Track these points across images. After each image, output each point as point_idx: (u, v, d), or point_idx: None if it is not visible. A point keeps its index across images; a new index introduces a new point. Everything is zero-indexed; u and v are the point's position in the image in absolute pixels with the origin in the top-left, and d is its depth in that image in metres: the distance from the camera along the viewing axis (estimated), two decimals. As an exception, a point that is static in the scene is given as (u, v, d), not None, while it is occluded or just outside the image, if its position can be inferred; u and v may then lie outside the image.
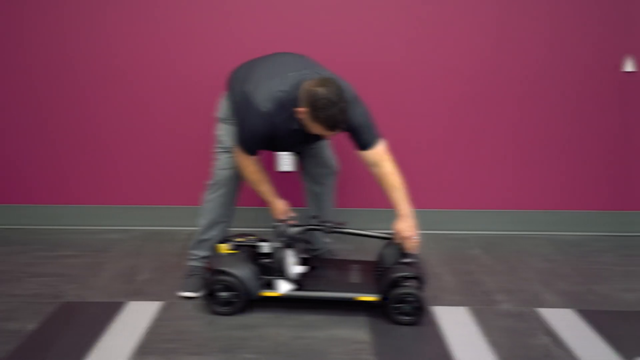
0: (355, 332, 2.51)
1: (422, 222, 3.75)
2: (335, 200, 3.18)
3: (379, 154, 2.61)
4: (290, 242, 2.71)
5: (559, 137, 3.62)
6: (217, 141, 2.88)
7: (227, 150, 2.81)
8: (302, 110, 2.39)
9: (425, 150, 3.65)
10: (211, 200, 2.91)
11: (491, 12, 3.37)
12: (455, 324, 2.60)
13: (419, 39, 3.42)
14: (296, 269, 2.71)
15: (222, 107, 2.85)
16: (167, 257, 3.35)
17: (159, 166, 3.73)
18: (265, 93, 2.47)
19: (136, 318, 2.62)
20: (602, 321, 2.64)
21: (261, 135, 2.54)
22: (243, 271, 2.59)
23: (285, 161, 3.66)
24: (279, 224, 2.74)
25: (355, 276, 2.80)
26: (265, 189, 2.79)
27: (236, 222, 3.81)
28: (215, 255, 2.70)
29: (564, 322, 2.63)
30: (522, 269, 3.23)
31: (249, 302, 2.68)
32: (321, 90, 2.30)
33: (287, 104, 2.46)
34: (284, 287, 2.64)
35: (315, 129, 2.41)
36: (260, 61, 2.73)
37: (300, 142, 2.74)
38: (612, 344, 2.44)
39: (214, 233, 2.93)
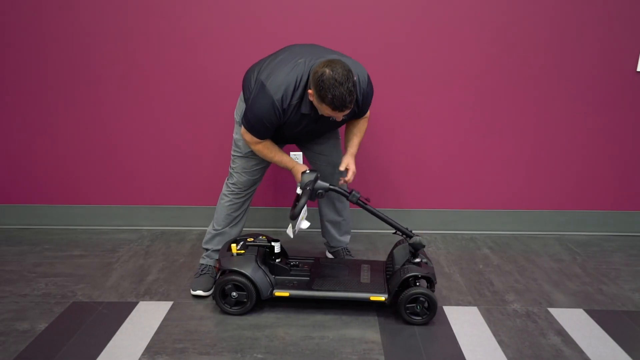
0: (364, 332, 2.51)
1: (431, 222, 3.77)
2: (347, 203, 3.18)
3: (364, 117, 2.82)
4: (314, 193, 2.64)
5: (568, 137, 3.61)
6: (234, 144, 2.89)
7: (245, 156, 2.84)
8: (311, 92, 2.43)
9: (434, 150, 3.64)
10: (227, 200, 2.93)
11: (500, 12, 3.36)
12: (465, 323, 2.60)
13: (427, 41, 3.41)
14: (304, 223, 2.68)
15: (239, 109, 2.86)
16: (176, 257, 3.36)
17: (168, 166, 3.73)
18: (277, 79, 2.50)
19: (146, 318, 2.63)
20: (611, 321, 2.63)
21: (270, 121, 2.54)
22: (253, 271, 2.59)
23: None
24: (309, 172, 2.66)
25: (365, 276, 2.80)
26: (281, 158, 2.75)
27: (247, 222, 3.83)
28: (225, 255, 2.70)
29: (574, 321, 2.63)
30: (531, 269, 3.23)
31: (259, 302, 2.68)
32: (327, 71, 2.32)
33: (297, 89, 2.50)
34: (290, 231, 2.65)
35: (324, 110, 2.43)
36: (273, 54, 2.75)
37: (310, 130, 2.72)
38: (622, 343, 2.44)
39: (227, 231, 2.97)
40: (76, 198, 3.82)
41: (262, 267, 2.63)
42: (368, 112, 2.80)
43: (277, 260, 2.78)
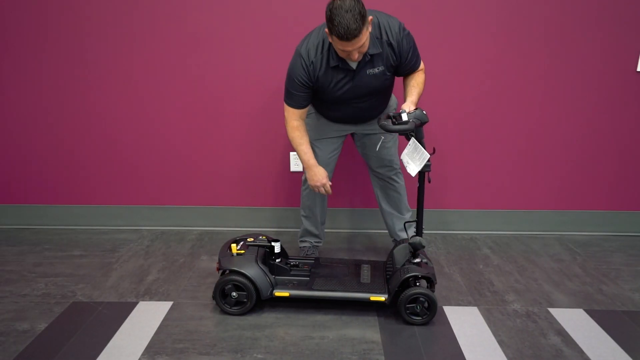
0: (365, 332, 2.51)
1: (431, 222, 3.77)
2: (403, 198, 3.25)
3: (419, 69, 2.82)
4: (412, 130, 2.52)
5: (568, 136, 3.60)
6: None
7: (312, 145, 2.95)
8: (327, 31, 2.49)
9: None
10: (306, 195, 3.17)
11: (499, 13, 3.35)
12: (466, 323, 2.60)
13: (427, 42, 3.40)
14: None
15: None
16: (176, 257, 3.35)
17: (168, 166, 3.73)
18: (306, 42, 2.67)
19: (146, 318, 2.63)
20: (611, 321, 2.63)
21: (299, 76, 2.66)
22: (254, 271, 2.59)
23: (296, 162, 3.65)
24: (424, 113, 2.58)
25: (365, 276, 2.80)
26: (306, 149, 2.83)
27: (245, 222, 3.83)
28: (225, 255, 2.70)
29: (574, 321, 2.63)
30: (531, 269, 3.23)
31: (259, 302, 2.68)
32: (336, 2, 2.39)
33: (324, 44, 2.63)
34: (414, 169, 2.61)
35: (336, 44, 2.48)
36: None
37: (353, 92, 2.74)
38: (622, 343, 2.44)
39: (313, 221, 3.25)
40: (76, 198, 3.82)
41: (262, 267, 2.63)
42: (422, 65, 2.82)
43: (277, 260, 2.79)
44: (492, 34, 3.40)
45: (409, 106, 2.62)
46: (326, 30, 2.48)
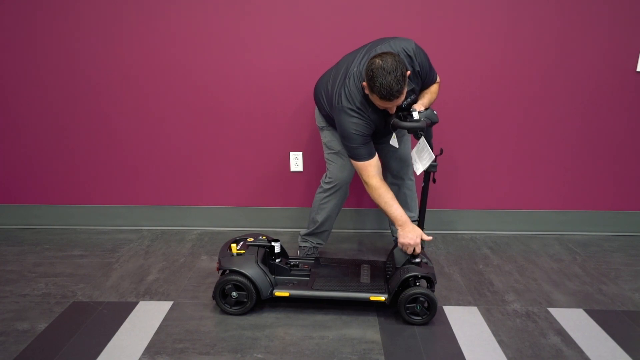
0: (365, 332, 2.51)
1: (431, 222, 3.77)
2: (414, 194, 3.28)
3: (436, 83, 2.87)
4: (422, 129, 2.58)
5: (568, 137, 3.60)
6: (325, 147, 3.08)
7: (339, 152, 2.99)
8: (365, 85, 2.51)
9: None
10: (329, 202, 3.12)
11: (500, 13, 3.35)
12: (466, 323, 2.60)
13: (429, 42, 3.40)
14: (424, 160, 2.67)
15: (317, 117, 3.10)
16: (176, 257, 3.35)
17: (168, 166, 3.73)
18: (346, 97, 2.65)
19: (146, 318, 2.63)
20: (611, 321, 2.63)
21: (359, 125, 2.64)
22: (254, 271, 2.59)
23: (296, 162, 3.66)
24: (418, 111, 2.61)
25: (365, 276, 2.80)
26: (395, 207, 2.69)
27: (245, 222, 3.83)
28: (225, 255, 2.70)
29: (574, 321, 2.63)
30: (531, 269, 3.23)
31: (259, 302, 2.69)
32: (377, 61, 2.40)
33: (363, 93, 2.62)
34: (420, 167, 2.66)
35: (375, 100, 2.51)
36: (332, 69, 2.92)
37: (385, 121, 2.76)
38: (622, 343, 2.44)
39: (327, 225, 3.22)
40: (76, 198, 3.82)
41: (262, 267, 2.63)
42: (438, 78, 2.86)
43: (277, 260, 2.79)
44: (493, 35, 3.40)
45: (419, 106, 2.66)
46: (364, 83, 2.51)
